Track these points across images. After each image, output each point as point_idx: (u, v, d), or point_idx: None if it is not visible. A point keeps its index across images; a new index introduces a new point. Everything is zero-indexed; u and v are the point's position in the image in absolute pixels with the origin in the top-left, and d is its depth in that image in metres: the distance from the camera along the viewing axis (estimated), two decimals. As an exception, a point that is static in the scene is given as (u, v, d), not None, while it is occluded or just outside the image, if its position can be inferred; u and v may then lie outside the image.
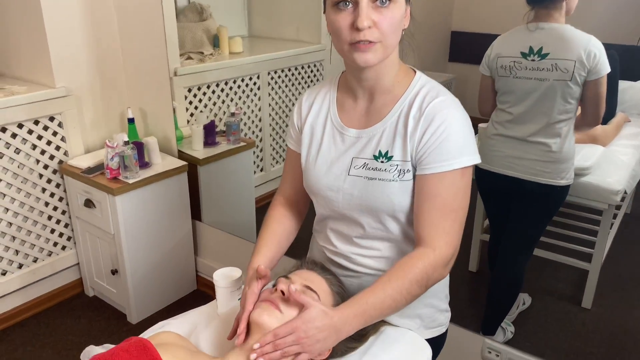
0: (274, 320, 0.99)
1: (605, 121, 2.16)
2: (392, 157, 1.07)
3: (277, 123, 3.13)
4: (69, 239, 2.62)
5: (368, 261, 1.16)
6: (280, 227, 1.25)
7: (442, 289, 1.23)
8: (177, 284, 2.69)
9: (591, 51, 1.74)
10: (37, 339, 2.40)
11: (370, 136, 1.10)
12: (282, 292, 1.03)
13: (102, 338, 2.42)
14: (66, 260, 2.63)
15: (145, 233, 2.44)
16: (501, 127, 1.97)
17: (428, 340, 1.20)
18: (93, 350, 1.12)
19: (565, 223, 2.38)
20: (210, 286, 1.19)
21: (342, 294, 1.12)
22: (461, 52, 2.62)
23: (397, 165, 1.06)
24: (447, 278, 1.22)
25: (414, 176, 1.06)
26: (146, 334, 1.17)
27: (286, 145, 1.27)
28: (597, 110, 1.84)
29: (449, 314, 1.28)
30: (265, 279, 1.11)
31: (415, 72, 1.12)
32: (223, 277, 1.29)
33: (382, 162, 1.07)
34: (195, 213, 2.67)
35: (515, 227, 2.06)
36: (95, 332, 2.46)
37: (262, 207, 2.91)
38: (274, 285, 1.09)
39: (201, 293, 2.76)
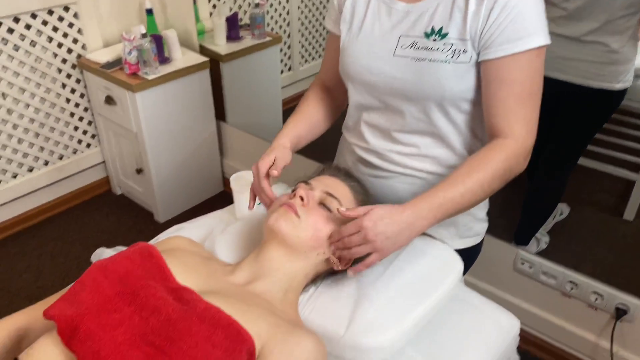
0: (290, 227, 0.93)
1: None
2: (446, 34, 0.93)
3: (306, 17, 2.91)
4: (93, 136, 2.58)
5: (403, 159, 1.06)
6: (314, 109, 1.18)
7: None
8: (203, 184, 2.66)
9: None
10: (66, 234, 2.44)
11: (423, 11, 0.96)
12: (301, 198, 0.96)
13: (130, 236, 2.44)
14: (91, 158, 2.61)
15: (168, 132, 2.36)
16: (552, 24, 1.73)
17: (461, 250, 1.12)
18: (104, 252, 1.08)
19: (613, 130, 2.20)
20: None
21: (367, 203, 1.03)
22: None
23: (452, 44, 0.93)
24: None
25: (476, 62, 0.93)
26: (160, 238, 1.12)
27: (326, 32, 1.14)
28: None
29: (486, 225, 1.19)
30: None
31: None
32: (240, 181, 1.21)
33: (434, 40, 0.94)
34: (220, 113, 2.57)
35: (561, 134, 1.91)
36: (123, 230, 2.48)
37: (290, 109, 2.78)
38: (293, 191, 1.00)
39: (228, 194, 2.73)
